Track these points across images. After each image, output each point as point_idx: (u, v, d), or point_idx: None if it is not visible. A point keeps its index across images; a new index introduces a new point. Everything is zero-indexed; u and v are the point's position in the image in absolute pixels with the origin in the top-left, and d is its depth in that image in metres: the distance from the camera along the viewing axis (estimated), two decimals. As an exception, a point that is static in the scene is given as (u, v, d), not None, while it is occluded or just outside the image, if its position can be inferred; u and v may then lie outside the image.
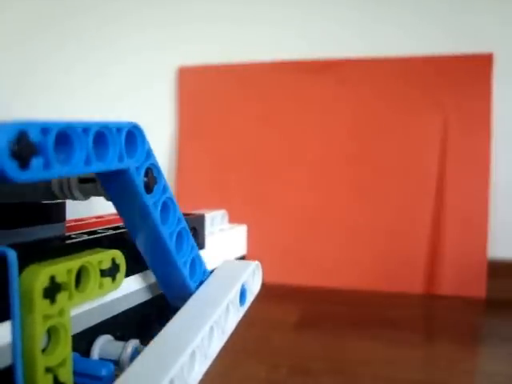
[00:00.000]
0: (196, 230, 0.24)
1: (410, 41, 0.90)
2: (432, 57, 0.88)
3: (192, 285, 0.21)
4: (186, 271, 0.20)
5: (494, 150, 0.85)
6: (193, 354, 0.17)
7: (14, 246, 0.14)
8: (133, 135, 0.17)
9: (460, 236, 0.85)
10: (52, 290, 0.14)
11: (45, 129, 0.12)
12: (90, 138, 0.14)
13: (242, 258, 0.32)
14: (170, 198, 0.19)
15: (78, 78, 1.08)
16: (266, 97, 0.96)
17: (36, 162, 0.12)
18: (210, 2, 0.99)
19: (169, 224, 0.19)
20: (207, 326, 0.18)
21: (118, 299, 0.19)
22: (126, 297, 0.19)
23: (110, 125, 0.15)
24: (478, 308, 0.80)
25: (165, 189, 0.19)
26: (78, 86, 1.08)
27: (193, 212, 0.26)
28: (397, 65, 0.90)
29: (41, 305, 0.14)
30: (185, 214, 0.24)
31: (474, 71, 0.86)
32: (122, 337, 0.19)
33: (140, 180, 0.17)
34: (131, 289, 0.20)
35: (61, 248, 0.16)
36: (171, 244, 0.19)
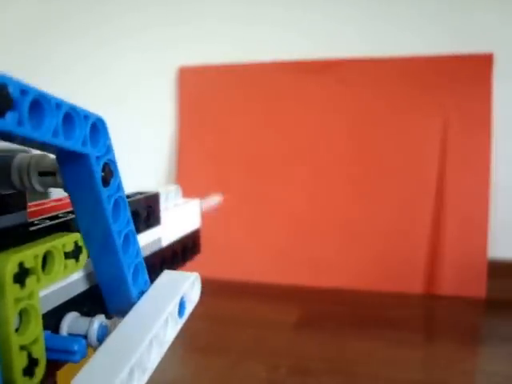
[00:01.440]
0: (151, 207, 0.25)
1: (411, 41, 0.90)
2: (432, 57, 0.88)
3: (134, 292, 0.21)
4: (129, 275, 0.21)
5: (494, 150, 0.85)
6: (131, 370, 0.18)
7: None
8: (97, 126, 0.18)
9: (460, 236, 0.85)
10: (21, 275, 0.15)
11: (24, 90, 0.13)
12: (61, 114, 0.15)
13: (197, 231, 0.32)
14: (123, 198, 0.20)
15: (79, 78, 1.08)
16: (266, 97, 0.96)
17: (11, 116, 0.13)
18: (211, 3, 0.99)
19: (119, 222, 0.20)
20: (146, 341, 0.19)
21: (82, 278, 0.20)
22: (89, 275, 0.21)
23: (79, 110, 0.17)
24: (478, 308, 0.80)
25: (119, 187, 0.19)
26: (78, 86, 1.09)
27: (147, 190, 0.26)
28: (397, 65, 0.90)
29: (11, 289, 0.15)
30: (140, 193, 0.25)
31: (474, 71, 0.86)
32: (89, 312, 0.20)
33: (98, 171, 0.18)
34: (92, 268, 0.21)
35: (26, 235, 0.18)
36: (119, 242, 0.20)
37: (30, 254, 0.16)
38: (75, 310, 0.20)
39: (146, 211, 0.23)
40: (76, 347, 0.17)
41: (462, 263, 0.85)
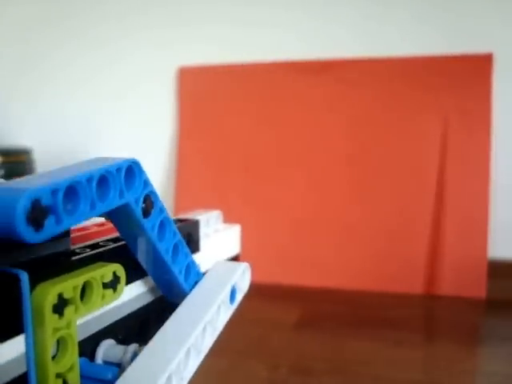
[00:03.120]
0: (191, 235, 0.26)
1: (410, 41, 0.90)
2: (432, 57, 0.88)
3: (187, 287, 0.23)
4: (181, 278, 0.22)
5: (494, 150, 0.85)
6: (188, 352, 0.19)
7: (26, 264, 0.16)
8: (132, 170, 0.18)
9: (460, 236, 0.85)
10: (60, 306, 0.16)
11: (54, 190, 0.13)
12: (94, 186, 0.16)
13: (236, 257, 0.34)
14: (166, 217, 0.21)
15: (78, 78, 1.08)
16: (265, 97, 0.96)
17: (48, 222, 0.13)
18: (211, 3, 0.99)
19: (165, 240, 0.21)
20: (201, 325, 0.20)
21: (118, 306, 0.21)
22: (125, 303, 0.21)
23: (110, 168, 0.17)
24: (478, 308, 0.80)
25: (161, 210, 0.20)
26: (77, 86, 1.09)
27: (188, 217, 0.27)
28: (397, 65, 0.90)
29: (50, 319, 0.15)
30: (181, 220, 0.26)
31: (473, 71, 0.86)
32: (124, 339, 0.21)
33: (138, 208, 0.19)
34: (130, 295, 0.22)
35: (67, 265, 0.18)
36: (168, 258, 0.21)
37: (69, 285, 0.16)
38: (111, 337, 0.20)
39: (186, 239, 0.24)
40: (110, 376, 0.18)
41: (462, 263, 0.85)
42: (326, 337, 0.67)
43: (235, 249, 0.33)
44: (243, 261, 0.28)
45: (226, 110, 0.98)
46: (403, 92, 0.89)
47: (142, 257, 0.21)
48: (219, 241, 0.30)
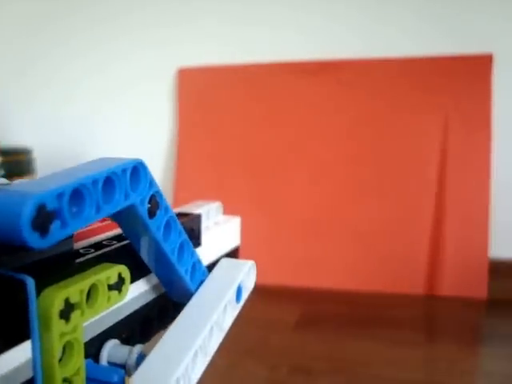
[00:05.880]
0: (193, 229, 0.26)
1: (410, 41, 0.90)
2: (432, 57, 0.88)
3: (192, 286, 0.23)
4: (187, 277, 0.22)
5: (494, 149, 0.85)
6: (195, 354, 0.19)
7: (30, 266, 0.15)
8: (137, 171, 0.18)
9: (461, 236, 0.85)
10: (67, 311, 0.16)
11: (60, 194, 0.13)
12: (99, 188, 0.15)
13: (236, 248, 0.33)
14: (172, 217, 0.21)
15: (77, 78, 1.08)
16: (265, 97, 0.96)
17: (54, 227, 0.13)
18: (211, 3, 0.99)
19: (170, 241, 0.21)
20: (208, 326, 0.20)
21: (122, 305, 0.21)
22: (129, 302, 0.21)
23: (115, 169, 0.16)
24: (479, 308, 0.80)
25: (166, 210, 0.20)
26: (76, 86, 1.09)
27: (189, 211, 0.27)
28: (397, 65, 0.90)
29: (57, 324, 0.15)
30: (183, 215, 0.26)
31: (473, 71, 0.86)
32: (128, 337, 0.21)
33: (144, 209, 0.18)
34: (134, 294, 0.22)
35: (72, 268, 0.18)
36: (173, 258, 0.21)
37: (75, 290, 0.16)
38: (115, 337, 0.20)
39: (188, 234, 0.24)
40: (116, 378, 0.18)
41: (462, 263, 0.85)
42: (326, 337, 0.67)
43: (235, 241, 0.33)
44: (243, 258, 0.28)
45: (225, 110, 0.98)
46: (403, 92, 0.89)
47: (147, 257, 0.21)
48: (220, 233, 0.30)
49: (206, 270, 0.24)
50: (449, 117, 0.87)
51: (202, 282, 0.23)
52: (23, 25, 1.11)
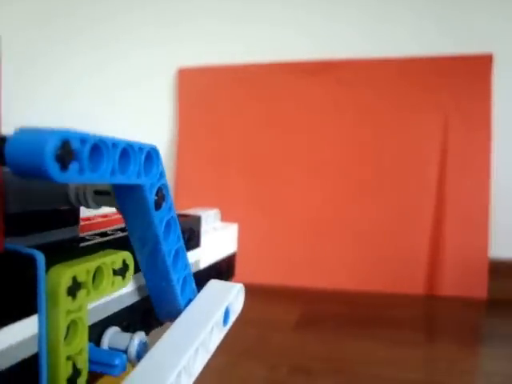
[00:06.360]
0: (193, 230, 0.26)
1: (411, 41, 0.90)
2: (432, 57, 0.88)
3: (182, 302, 0.23)
4: (178, 288, 0.22)
5: (494, 150, 0.85)
6: (179, 374, 0.19)
7: (39, 247, 0.16)
8: (151, 156, 0.19)
9: (461, 236, 0.85)
10: (74, 289, 0.16)
11: (83, 139, 0.14)
12: (117, 153, 0.16)
13: (233, 254, 0.34)
14: (174, 218, 0.21)
15: (77, 77, 1.08)
16: (265, 97, 0.96)
17: (73, 167, 0.14)
18: (211, 3, 0.99)
19: (169, 241, 0.21)
20: (193, 347, 0.20)
21: (124, 293, 0.21)
22: (132, 291, 0.22)
23: (133, 144, 0.17)
24: (479, 308, 0.80)
25: (170, 208, 0.21)
26: (76, 85, 1.09)
27: (190, 213, 0.27)
28: (397, 65, 0.90)
29: (64, 301, 0.16)
30: (183, 216, 0.26)
31: (473, 71, 0.86)
32: (128, 326, 0.22)
33: (151, 197, 0.19)
34: (137, 284, 0.22)
35: (79, 250, 0.19)
36: (169, 260, 0.21)
37: (83, 269, 0.17)
38: (116, 324, 0.21)
39: (188, 234, 0.24)
40: (117, 361, 0.18)
41: (462, 264, 0.85)
42: (326, 337, 0.67)
43: (233, 247, 0.34)
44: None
45: (225, 110, 0.98)
46: (403, 92, 0.89)
47: (141, 254, 0.21)
48: (217, 238, 0.31)
49: (195, 289, 0.24)
50: (449, 117, 0.87)
51: (190, 300, 0.23)
52: (24, 23, 1.11)
